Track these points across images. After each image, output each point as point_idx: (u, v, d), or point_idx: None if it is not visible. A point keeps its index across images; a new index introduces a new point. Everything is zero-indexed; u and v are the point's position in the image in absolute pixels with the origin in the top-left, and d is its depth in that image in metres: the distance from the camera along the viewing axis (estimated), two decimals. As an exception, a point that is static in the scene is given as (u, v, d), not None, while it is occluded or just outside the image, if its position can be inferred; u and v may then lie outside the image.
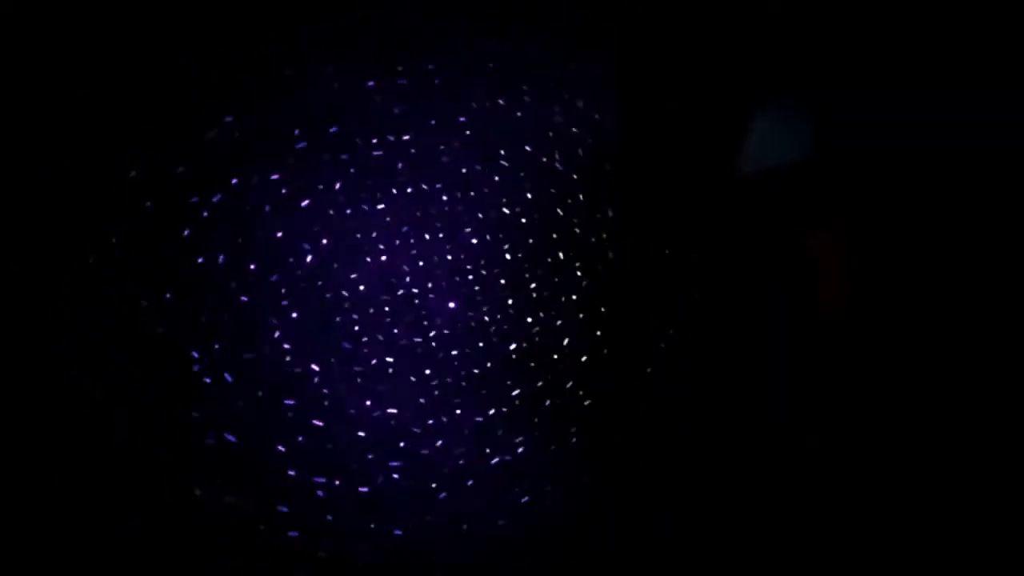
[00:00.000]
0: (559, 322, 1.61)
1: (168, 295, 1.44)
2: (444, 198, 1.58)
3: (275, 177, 1.51)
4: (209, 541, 1.43)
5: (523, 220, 1.62)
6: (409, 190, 1.57)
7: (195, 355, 1.44)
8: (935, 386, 1.66)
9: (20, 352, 1.41)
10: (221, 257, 1.47)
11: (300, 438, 1.47)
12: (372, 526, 1.48)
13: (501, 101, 1.62)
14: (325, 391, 1.49)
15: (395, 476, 1.49)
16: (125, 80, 1.49)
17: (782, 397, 1.71)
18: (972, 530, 1.59)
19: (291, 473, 1.46)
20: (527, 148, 1.63)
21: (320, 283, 1.51)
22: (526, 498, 1.54)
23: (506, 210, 1.61)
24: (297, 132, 1.52)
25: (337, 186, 1.53)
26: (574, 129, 1.66)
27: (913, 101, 1.70)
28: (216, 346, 1.45)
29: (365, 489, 1.48)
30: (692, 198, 1.73)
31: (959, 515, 1.61)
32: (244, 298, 1.47)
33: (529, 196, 1.63)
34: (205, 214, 1.47)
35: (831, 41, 1.74)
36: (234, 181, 1.49)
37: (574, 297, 1.62)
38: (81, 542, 1.41)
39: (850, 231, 1.74)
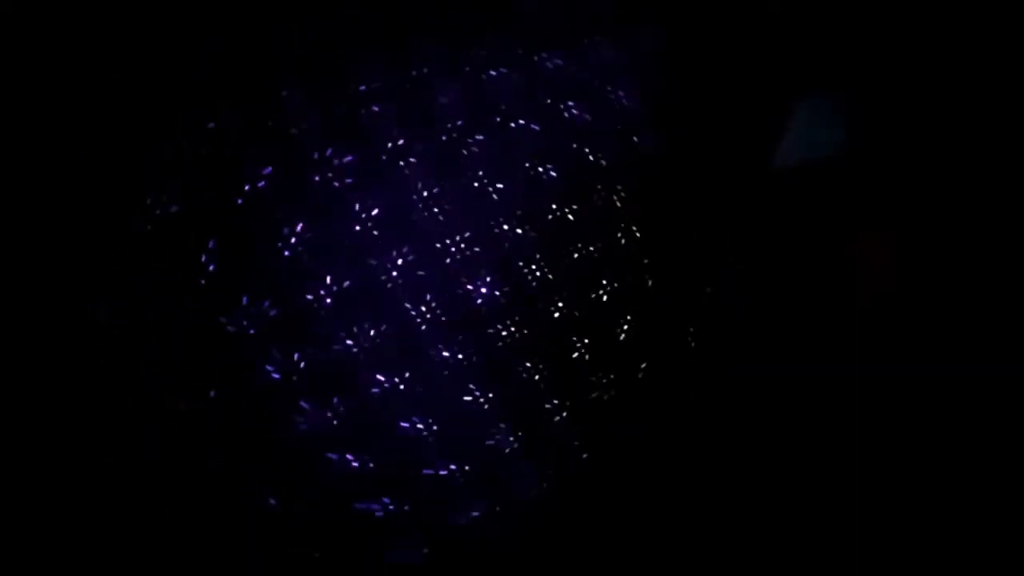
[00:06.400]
0: (591, 311, 1.59)
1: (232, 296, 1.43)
2: (484, 181, 1.56)
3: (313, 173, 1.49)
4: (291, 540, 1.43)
5: (549, 216, 1.60)
6: (439, 185, 1.55)
7: (274, 356, 1.43)
8: (974, 391, 1.65)
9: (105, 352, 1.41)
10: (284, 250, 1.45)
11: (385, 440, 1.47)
12: (454, 514, 1.49)
13: (535, 94, 1.61)
14: (402, 388, 1.47)
15: (467, 466, 1.49)
16: (137, 75, 1.48)
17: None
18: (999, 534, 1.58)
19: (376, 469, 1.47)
20: (563, 139, 1.62)
21: (372, 276, 1.49)
22: (584, 455, 1.55)
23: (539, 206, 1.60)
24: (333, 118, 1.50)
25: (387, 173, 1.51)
26: (610, 118, 1.65)
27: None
28: (289, 347, 1.44)
29: (446, 472, 1.48)
30: (730, 192, 1.71)
31: (987, 518, 1.61)
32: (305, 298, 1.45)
33: (558, 186, 1.61)
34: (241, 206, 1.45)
35: (869, 38, 1.73)
36: (267, 171, 1.47)
37: (604, 298, 1.61)
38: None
39: (893, 232, 1.73)
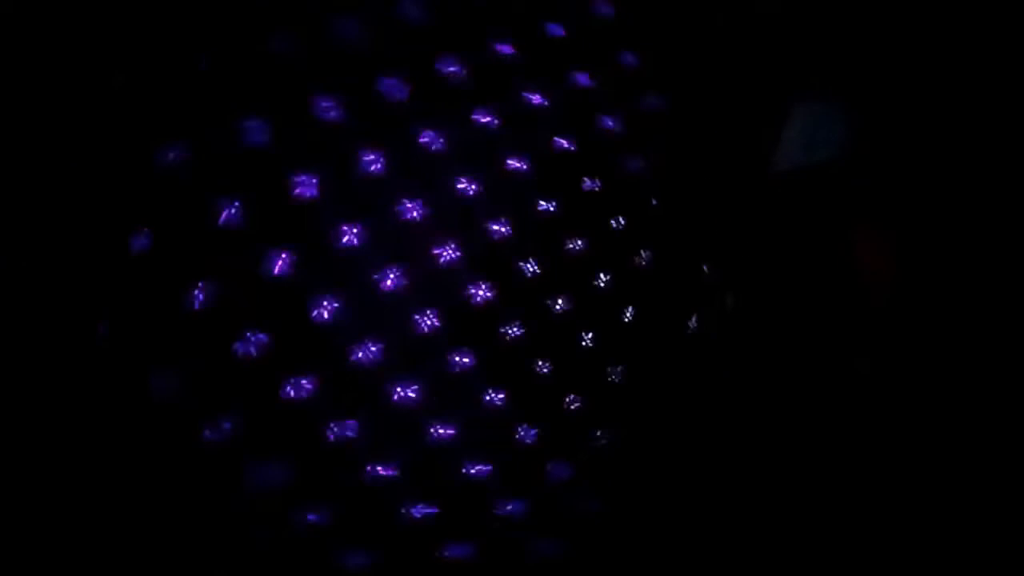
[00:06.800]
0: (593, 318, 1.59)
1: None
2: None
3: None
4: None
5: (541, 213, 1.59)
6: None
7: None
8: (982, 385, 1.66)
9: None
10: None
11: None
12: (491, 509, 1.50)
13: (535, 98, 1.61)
14: (420, 397, 1.47)
15: (497, 464, 1.49)
16: (145, 72, 1.47)
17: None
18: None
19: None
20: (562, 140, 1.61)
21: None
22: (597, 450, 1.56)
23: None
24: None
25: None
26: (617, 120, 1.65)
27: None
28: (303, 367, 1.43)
29: (476, 471, 1.48)
30: (730, 191, 1.71)
31: (987, 518, 1.61)
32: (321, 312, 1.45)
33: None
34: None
35: (868, 39, 1.73)
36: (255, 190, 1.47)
37: (605, 293, 1.60)
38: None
39: (893, 232, 1.73)
